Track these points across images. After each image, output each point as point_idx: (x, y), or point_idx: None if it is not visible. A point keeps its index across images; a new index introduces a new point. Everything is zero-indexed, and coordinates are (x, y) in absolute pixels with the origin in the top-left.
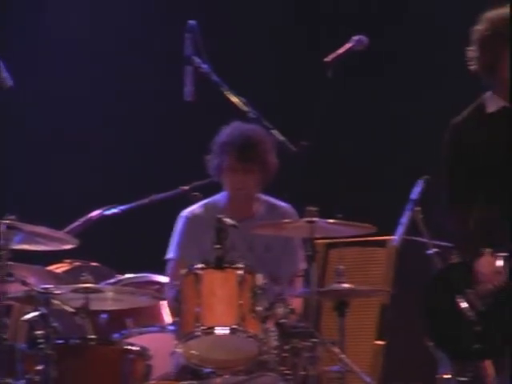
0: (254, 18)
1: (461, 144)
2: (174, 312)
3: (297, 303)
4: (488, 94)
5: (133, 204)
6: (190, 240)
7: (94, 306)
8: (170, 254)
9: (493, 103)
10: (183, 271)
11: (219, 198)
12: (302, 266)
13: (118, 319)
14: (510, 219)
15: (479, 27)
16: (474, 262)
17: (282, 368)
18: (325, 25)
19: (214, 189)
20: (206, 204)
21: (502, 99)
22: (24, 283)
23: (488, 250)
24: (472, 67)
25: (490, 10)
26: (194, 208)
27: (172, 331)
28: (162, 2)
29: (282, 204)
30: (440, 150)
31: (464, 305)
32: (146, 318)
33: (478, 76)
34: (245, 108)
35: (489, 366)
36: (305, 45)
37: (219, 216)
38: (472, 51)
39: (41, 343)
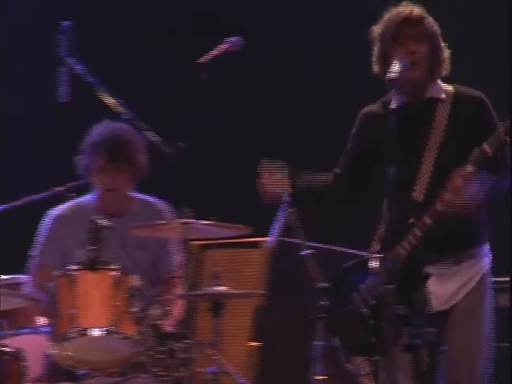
0: (130, 19)
1: (364, 135)
2: (44, 313)
3: (178, 304)
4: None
5: (5, 206)
6: (52, 241)
7: None
8: (34, 252)
9: (395, 99)
10: (56, 272)
11: (88, 198)
12: (179, 266)
13: None
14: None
15: (375, 27)
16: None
17: (156, 369)
18: (201, 25)
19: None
20: (73, 204)
21: (402, 95)
22: None
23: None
24: (375, 68)
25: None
26: (60, 208)
27: (46, 333)
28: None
29: (156, 201)
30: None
31: (358, 300)
32: (21, 319)
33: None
34: (120, 109)
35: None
36: (181, 46)
37: (93, 218)
38: (372, 52)
39: None
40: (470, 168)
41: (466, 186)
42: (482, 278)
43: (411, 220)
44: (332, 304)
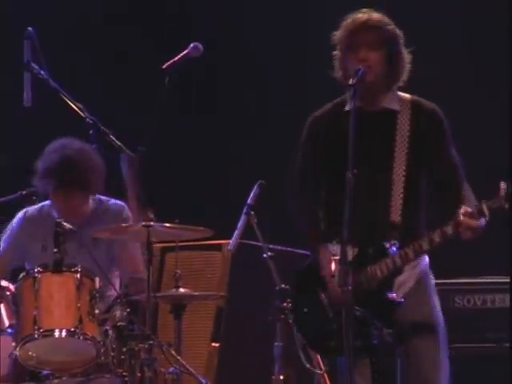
0: (94, 21)
1: (317, 136)
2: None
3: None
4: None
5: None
6: (16, 238)
7: None
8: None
9: (350, 102)
10: (22, 274)
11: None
12: (141, 267)
13: None
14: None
15: (336, 32)
16: (316, 250)
17: (119, 370)
18: (167, 30)
19: None
20: (41, 207)
21: (356, 100)
22: None
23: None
24: (335, 73)
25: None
26: (30, 209)
27: (10, 334)
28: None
29: (117, 202)
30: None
31: (325, 302)
32: None
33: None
34: (82, 114)
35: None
36: (144, 51)
37: (58, 220)
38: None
39: None
40: (480, 223)
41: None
42: (422, 277)
43: (393, 242)
44: (295, 304)
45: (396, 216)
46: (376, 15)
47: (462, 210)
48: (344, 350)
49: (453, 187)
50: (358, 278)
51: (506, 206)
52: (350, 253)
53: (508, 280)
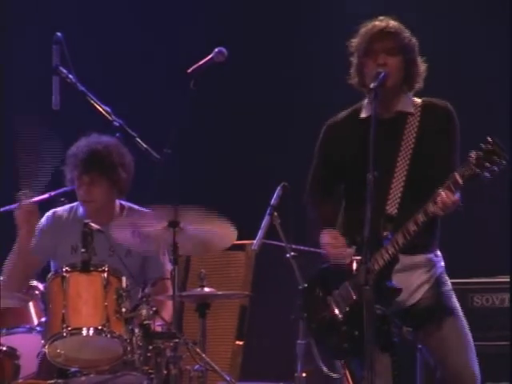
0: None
1: (332, 143)
2: None
3: (169, 305)
4: (366, 100)
5: (3, 208)
6: (45, 238)
7: None
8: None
9: (366, 109)
10: (51, 274)
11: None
12: (168, 269)
13: None
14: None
15: (353, 40)
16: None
17: (145, 367)
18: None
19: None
20: (70, 208)
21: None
22: None
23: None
24: (351, 79)
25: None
26: (59, 210)
27: (39, 332)
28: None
29: (142, 210)
30: (298, 159)
31: (333, 305)
32: (15, 319)
33: (356, 87)
34: (109, 117)
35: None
36: (168, 56)
37: (86, 221)
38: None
39: None
40: (454, 196)
41: (449, 207)
42: (437, 279)
43: (386, 233)
44: (307, 304)
45: (393, 209)
46: (393, 23)
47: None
48: (365, 349)
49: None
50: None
51: (477, 170)
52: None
53: (508, 280)
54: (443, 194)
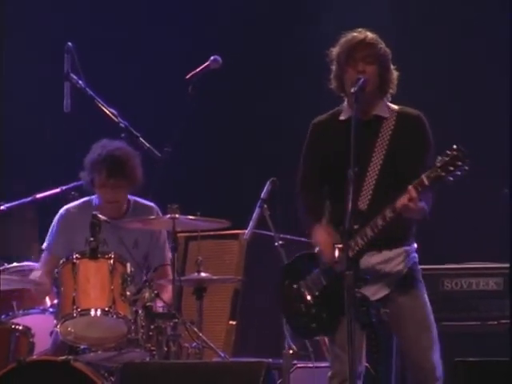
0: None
1: (316, 143)
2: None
3: (169, 289)
4: (345, 103)
5: (17, 202)
6: (60, 235)
7: None
8: (45, 245)
9: (345, 112)
10: (62, 260)
11: (94, 198)
12: (169, 256)
13: (5, 302)
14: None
15: (333, 48)
16: (313, 230)
17: (148, 345)
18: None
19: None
20: (82, 203)
21: (351, 109)
22: None
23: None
24: (332, 85)
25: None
26: (71, 206)
27: (52, 313)
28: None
29: (147, 203)
30: (286, 155)
31: (305, 289)
32: (30, 301)
33: (335, 92)
34: (115, 119)
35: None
36: (172, 63)
37: (94, 212)
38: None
39: None
40: (414, 193)
41: (412, 207)
42: (410, 268)
43: (356, 226)
44: (281, 286)
45: (363, 205)
46: (371, 34)
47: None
48: (347, 328)
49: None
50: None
51: (442, 174)
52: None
53: (507, 266)
54: (407, 194)
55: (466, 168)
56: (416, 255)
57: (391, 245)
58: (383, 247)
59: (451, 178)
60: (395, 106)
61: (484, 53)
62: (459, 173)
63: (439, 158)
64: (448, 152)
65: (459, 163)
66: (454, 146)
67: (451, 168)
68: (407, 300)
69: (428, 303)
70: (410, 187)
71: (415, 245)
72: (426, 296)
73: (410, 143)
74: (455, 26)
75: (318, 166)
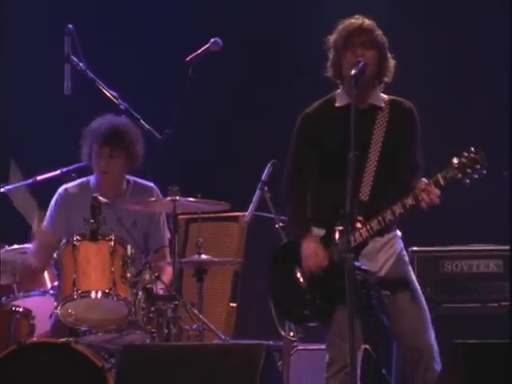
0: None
1: (309, 131)
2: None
3: (168, 271)
4: (339, 90)
5: (17, 184)
6: (59, 214)
7: None
8: (44, 223)
9: (341, 98)
10: (63, 242)
11: (92, 178)
12: (168, 238)
13: (6, 284)
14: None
15: (330, 36)
16: (300, 235)
17: (148, 327)
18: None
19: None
20: (81, 183)
21: (348, 96)
22: None
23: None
24: (328, 72)
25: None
26: (70, 186)
27: (52, 295)
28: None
29: (147, 183)
30: (286, 138)
31: (299, 275)
32: (30, 283)
33: (331, 79)
34: (116, 101)
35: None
36: (172, 45)
37: (94, 194)
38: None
39: None
40: (437, 191)
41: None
42: (398, 255)
43: (359, 218)
44: (272, 270)
45: (365, 196)
46: (368, 20)
47: (421, 182)
48: (348, 310)
49: (408, 181)
50: (330, 252)
51: (459, 175)
52: (319, 234)
53: (508, 248)
54: (430, 188)
55: (484, 172)
56: (401, 241)
57: (383, 232)
58: (377, 234)
59: (468, 181)
60: (386, 96)
61: (484, 53)
62: (476, 176)
63: (455, 158)
64: (465, 154)
65: (478, 166)
66: (472, 149)
67: (469, 170)
68: (399, 281)
69: (418, 286)
70: (426, 185)
71: (399, 232)
72: (414, 278)
73: (404, 134)
74: (455, 25)
75: (312, 154)
